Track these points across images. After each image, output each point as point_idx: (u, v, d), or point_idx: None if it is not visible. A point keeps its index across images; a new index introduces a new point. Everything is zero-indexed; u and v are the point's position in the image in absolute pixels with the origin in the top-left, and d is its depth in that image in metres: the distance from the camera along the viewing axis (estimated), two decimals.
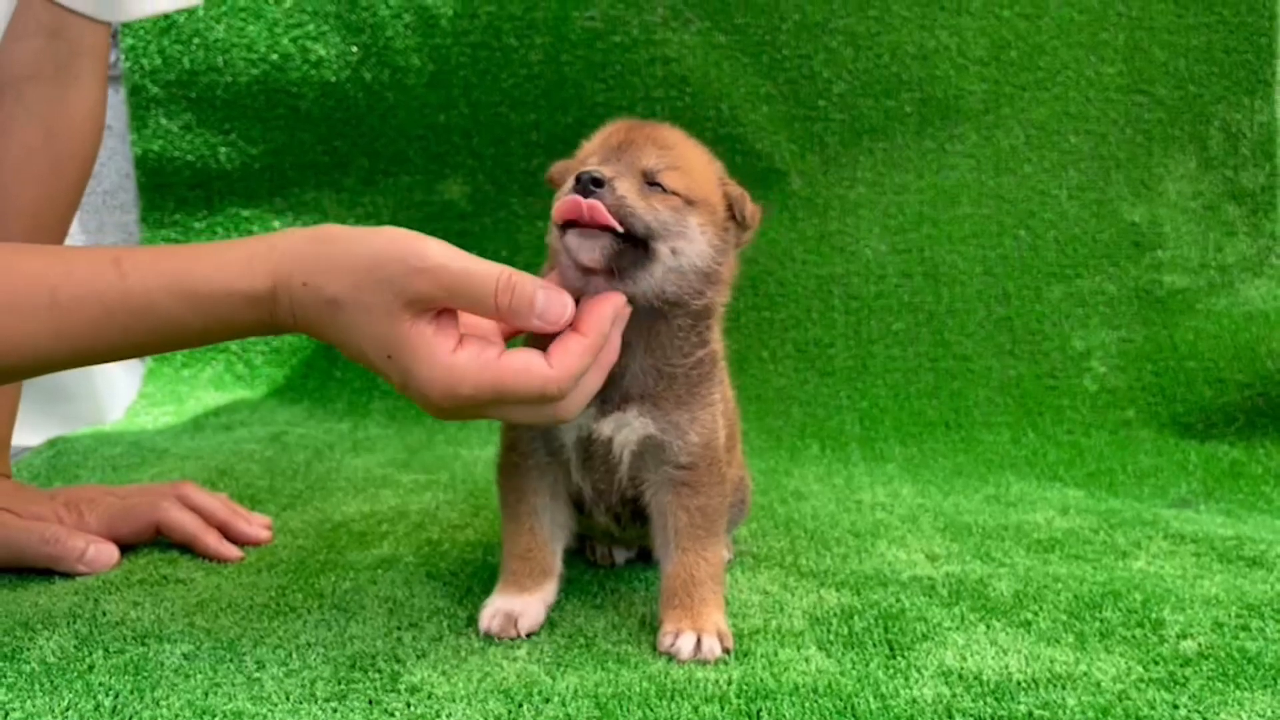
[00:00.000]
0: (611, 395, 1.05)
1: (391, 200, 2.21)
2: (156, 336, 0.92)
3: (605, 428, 1.06)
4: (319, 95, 2.18)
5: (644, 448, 1.07)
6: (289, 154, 2.20)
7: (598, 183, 0.95)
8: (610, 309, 0.96)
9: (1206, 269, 2.20)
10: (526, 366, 0.90)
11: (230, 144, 2.20)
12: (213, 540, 1.32)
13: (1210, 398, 1.99)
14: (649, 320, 1.03)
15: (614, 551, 1.32)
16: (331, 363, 2.23)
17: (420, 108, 2.18)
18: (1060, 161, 2.22)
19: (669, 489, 1.09)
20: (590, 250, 0.97)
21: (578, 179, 0.95)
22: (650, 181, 0.99)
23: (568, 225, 0.97)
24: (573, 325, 0.94)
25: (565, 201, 0.96)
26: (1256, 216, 2.22)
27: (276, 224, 2.21)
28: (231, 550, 1.32)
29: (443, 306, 0.90)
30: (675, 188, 1.00)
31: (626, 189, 0.97)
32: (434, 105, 2.18)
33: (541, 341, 0.96)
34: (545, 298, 0.92)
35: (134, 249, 0.95)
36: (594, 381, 0.97)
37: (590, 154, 1.04)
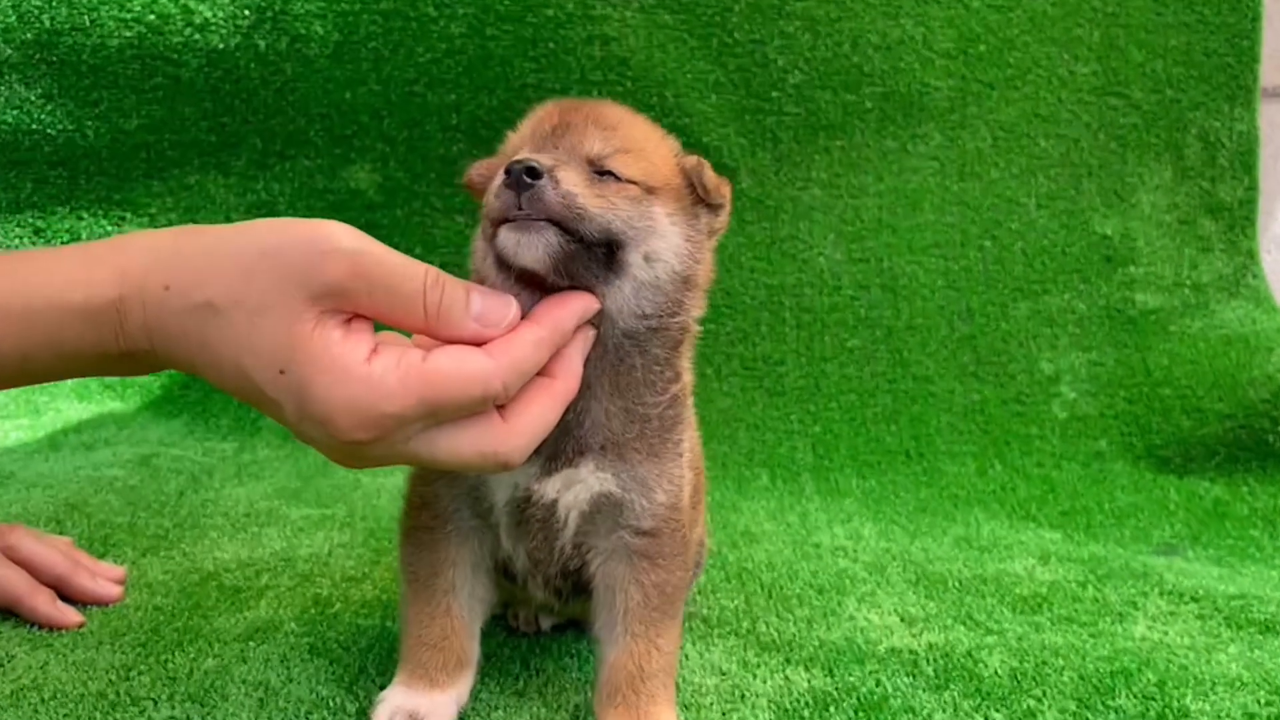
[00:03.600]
0: (563, 447, 0.87)
1: (289, 187, 2.00)
2: None
3: (549, 488, 0.88)
4: (204, 64, 1.97)
5: (597, 508, 0.89)
6: (168, 130, 1.98)
7: (534, 173, 0.78)
8: (576, 306, 0.81)
9: (1180, 287, 2.11)
10: (459, 363, 0.75)
11: (99, 117, 1.97)
12: (44, 603, 1.11)
13: (1189, 429, 1.91)
14: (618, 351, 0.87)
15: (540, 617, 1.14)
16: None
17: (323, 82, 1.99)
18: (1029, 167, 2.11)
19: (622, 560, 0.91)
20: (531, 247, 0.80)
21: (506, 171, 0.79)
22: (599, 170, 0.84)
23: (501, 224, 0.81)
24: (523, 320, 0.80)
25: (496, 201, 0.80)
26: (1234, 233, 2.14)
27: (153, 210, 1.97)
28: (67, 615, 1.12)
29: (355, 307, 0.75)
30: (630, 174, 0.84)
31: (572, 181, 0.80)
32: (339, 80, 1.99)
33: None
34: (482, 297, 0.78)
35: None
36: (547, 415, 0.80)
37: (519, 145, 0.88)
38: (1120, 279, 2.09)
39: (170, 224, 1.94)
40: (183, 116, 1.99)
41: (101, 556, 1.29)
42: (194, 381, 1.99)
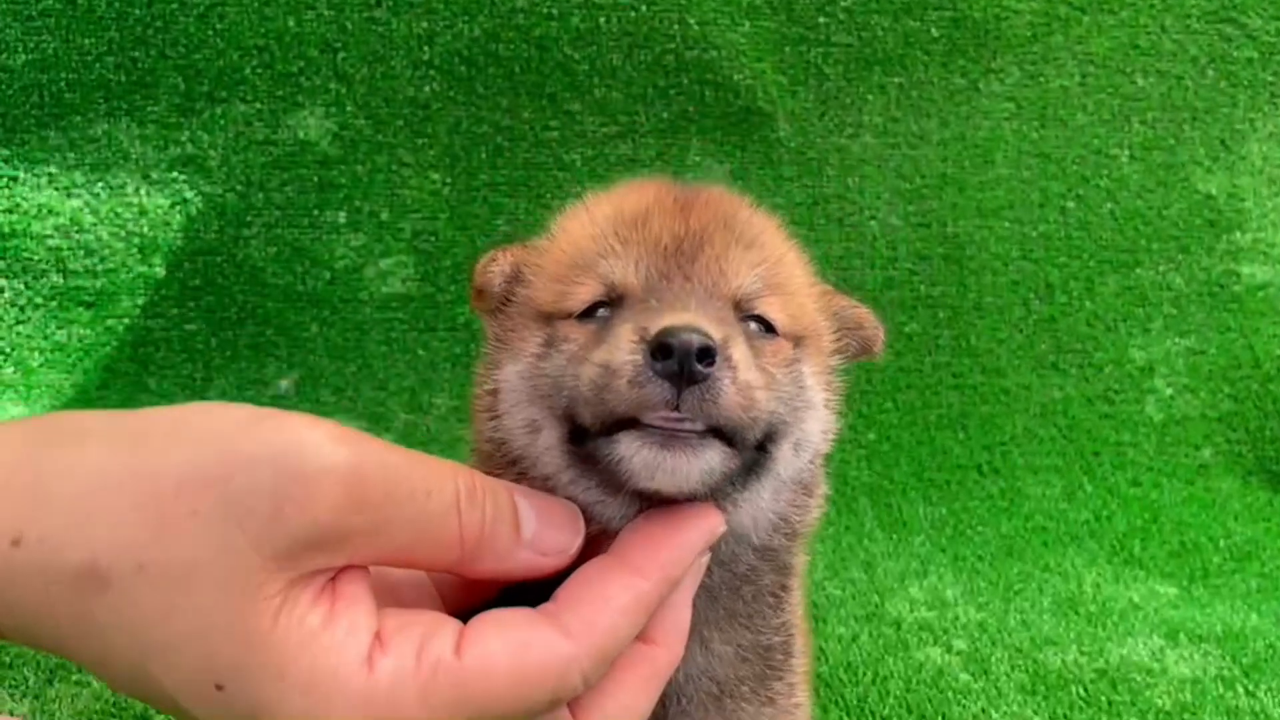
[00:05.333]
0: None
1: (220, 138, 1.65)
2: None
3: None
4: None
5: None
6: (65, 68, 1.62)
7: (707, 356, 0.51)
8: (695, 538, 0.55)
9: None
10: (519, 655, 0.49)
11: None
12: None
13: None
14: (745, 573, 0.63)
15: None
16: (144, 366, 1.64)
17: (260, 6, 1.65)
18: (1122, 110, 1.83)
19: None
20: (685, 474, 0.53)
21: (661, 349, 0.52)
22: (745, 314, 0.61)
23: (620, 425, 0.54)
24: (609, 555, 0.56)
25: (632, 391, 0.52)
26: None
27: (51, 168, 1.59)
28: None
29: (349, 556, 0.49)
30: (783, 323, 0.62)
31: (746, 363, 0.54)
32: (281, 4, 1.65)
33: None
34: (534, 510, 0.54)
35: None
36: (638, 705, 0.55)
37: (606, 248, 0.60)
38: (1224, 248, 1.84)
39: (72, 187, 1.57)
40: (83, 49, 1.64)
41: None
42: (116, 379, 1.65)
